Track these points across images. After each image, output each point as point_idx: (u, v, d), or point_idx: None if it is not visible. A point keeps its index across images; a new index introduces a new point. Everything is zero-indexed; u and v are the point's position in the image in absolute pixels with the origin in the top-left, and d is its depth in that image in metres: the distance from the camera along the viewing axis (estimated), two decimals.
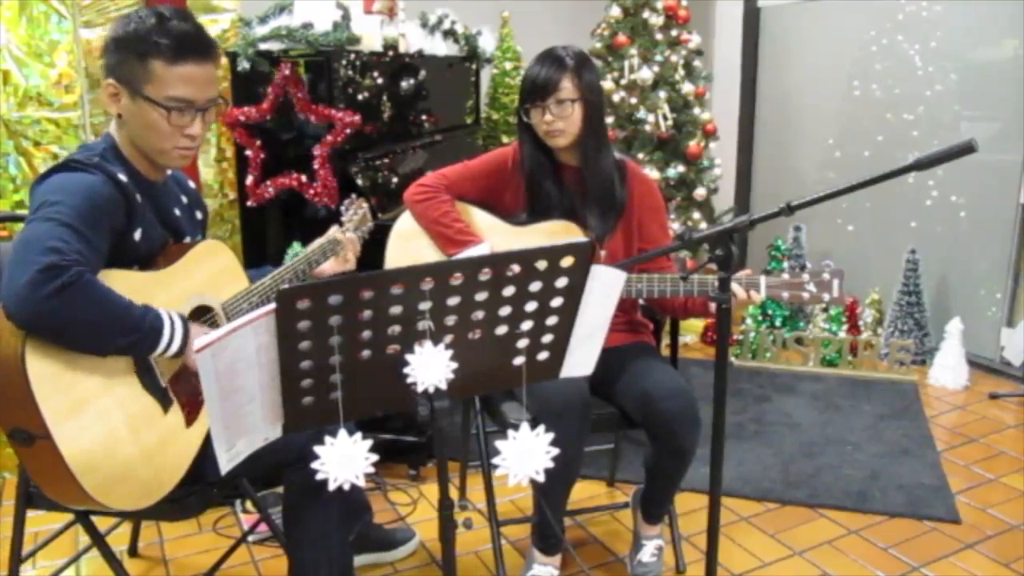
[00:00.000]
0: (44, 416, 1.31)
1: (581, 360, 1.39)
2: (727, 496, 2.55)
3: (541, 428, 1.20)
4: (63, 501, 1.45)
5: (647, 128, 3.56)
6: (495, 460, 1.21)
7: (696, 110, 3.67)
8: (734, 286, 1.79)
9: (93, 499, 1.37)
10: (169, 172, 1.69)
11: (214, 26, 2.90)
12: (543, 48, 2.05)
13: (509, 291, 1.22)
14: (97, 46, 2.68)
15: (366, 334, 1.17)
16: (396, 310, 1.16)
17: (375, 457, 1.16)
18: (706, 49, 4.00)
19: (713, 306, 1.76)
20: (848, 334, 3.67)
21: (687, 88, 3.62)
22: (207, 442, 1.47)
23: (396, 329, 1.18)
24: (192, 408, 1.55)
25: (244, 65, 2.56)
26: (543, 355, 1.34)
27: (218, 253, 1.71)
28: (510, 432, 1.20)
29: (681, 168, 3.62)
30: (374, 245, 2.12)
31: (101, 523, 1.86)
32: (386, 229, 2.20)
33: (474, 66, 3.51)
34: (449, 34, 3.17)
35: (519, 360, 1.32)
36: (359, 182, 2.60)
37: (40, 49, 2.64)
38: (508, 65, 3.98)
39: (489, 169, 2.15)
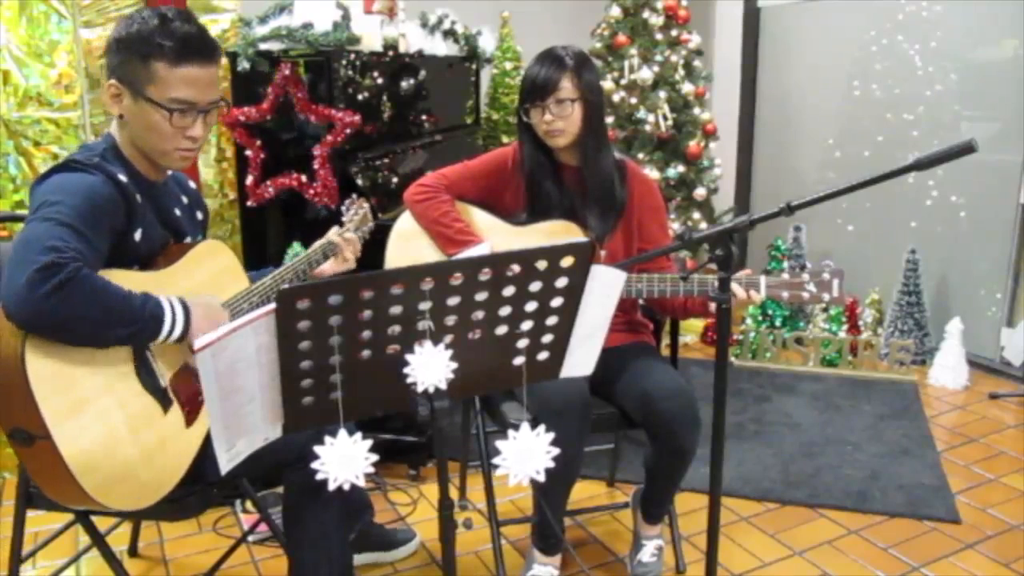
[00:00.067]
0: (44, 416, 1.31)
1: (581, 360, 1.39)
2: (727, 496, 2.55)
3: (541, 428, 1.20)
4: (63, 501, 1.45)
5: (647, 128, 3.56)
6: (495, 460, 1.21)
7: (696, 110, 3.67)
8: (734, 286, 1.80)
9: (93, 499, 1.37)
10: (169, 172, 1.69)
11: (214, 26, 2.90)
12: (543, 48, 2.05)
13: (509, 291, 1.22)
14: (97, 46, 2.68)
15: (366, 334, 1.17)
16: (396, 310, 1.16)
17: (375, 457, 1.16)
18: (706, 49, 4.00)
19: (713, 306, 1.76)
20: (848, 334, 3.67)
21: (687, 88, 3.62)
22: (207, 442, 1.47)
23: (396, 329, 1.18)
24: (192, 408, 1.55)
25: (244, 65, 2.56)
26: (543, 355, 1.34)
27: (218, 253, 1.71)
28: (510, 432, 1.20)
29: (681, 168, 3.62)
30: (374, 245, 2.12)
31: (101, 523, 1.86)
32: (386, 229, 2.20)
33: (474, 66, 3.51)
34: (449, 34, 3.17)
35: (519, 360, 1.32)
36: (359, 182, 2.60)
37: (40, 49, 2.64)
38: (508, 65, 3.98)
39: (489, 169, 2.15)
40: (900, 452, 2.87)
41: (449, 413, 1.23)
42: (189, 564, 2.28)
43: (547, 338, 1.32)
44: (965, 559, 2.27)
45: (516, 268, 1.20)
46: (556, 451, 1.20)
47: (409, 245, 2.15)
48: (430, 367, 1.17)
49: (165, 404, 1.51)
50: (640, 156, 3.55)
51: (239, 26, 2.76)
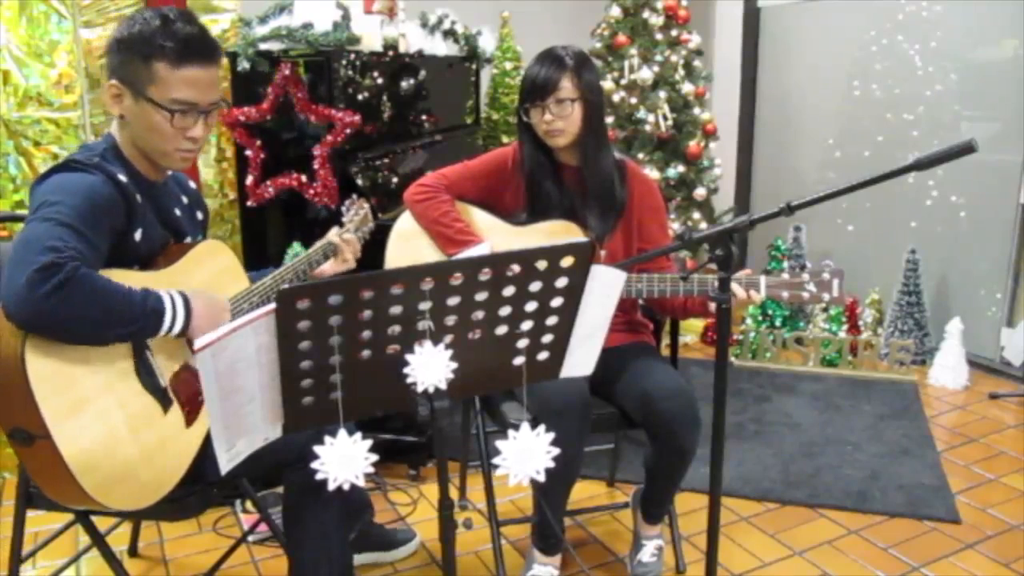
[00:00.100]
0: (44, 416, 1.31)
1: (581, 360, 1.39)
2: (727, 496, 2.55)
3: (541, 428, 1.20)
4: (63, 501, 1.45)
5: (647, 128, 3.56)
6: (495, 460, 1.21)
7: (696, 110, 3.67)
8: (734, 286, 1.80)
9: (93, 499, 1.37)
10: (169, 172, 1.69)
11: (214, 26, 2.90)
12: (543, 48, 2.05)
13: (509, 291, 1.22)
14: (97, 46, 2.68)
15: (366, 334, 1.17)
16: (396, 310, 1.16)
17: (375, 457, 1.16)
18: (706, 49, 4.00)
19: (713, 306, 1.76)
20: (848, 334, 3.67)
21: (687, 88, 3.62)
22: (207, 442, 1.47)
23: (396, 329, 1.18)
24: (192, 408, 1.55)
25: (244, 65, 2.56)
26: (543, 355, 1.34)
27: (218, 253, 1.71)
28: (510, 432, 1.20)
29: (681, 168, 3.62)
30: (374, 245, 2.12)
31: (101, 523, 1.86)
32: (386, 229, 2.20)
33: (474, 66, 3.51)
34: (449, 34, 3.17)
35: (519, 360, 1.32)
36: (359, 182, 2.60)
37: (40, 49, 2.64)
38: (508, 65, 3.98)
39: (489, 169, 2.15)
40: (900, 452, 2.87)
41: (449, 413, 1.23)
42: (189, 564, 2.28)
43: (547, 338, 1.32)
44: (965, 559, 2.27)
45: (516, 268, 1.20)
46: (556, 451, 1.20)
47: (409, 245, 2.15)
48: (430, 367, 1.17)
49: (165, 404, 1.51)
50: (640, 156, 3.55)
51: (239, 26, 2.76)
